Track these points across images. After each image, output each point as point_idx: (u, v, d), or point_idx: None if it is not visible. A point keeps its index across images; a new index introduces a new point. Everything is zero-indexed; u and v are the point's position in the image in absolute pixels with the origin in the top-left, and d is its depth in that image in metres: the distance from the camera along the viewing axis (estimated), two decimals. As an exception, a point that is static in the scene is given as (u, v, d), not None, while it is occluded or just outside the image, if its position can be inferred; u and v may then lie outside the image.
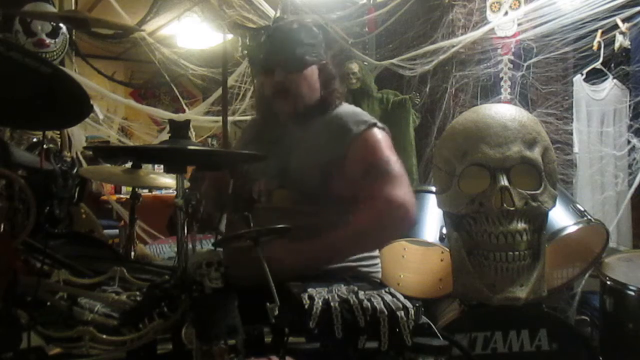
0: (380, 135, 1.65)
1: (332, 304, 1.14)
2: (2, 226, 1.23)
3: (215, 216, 1.75)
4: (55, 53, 3.11)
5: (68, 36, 3.25)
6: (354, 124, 1.64)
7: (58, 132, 3.00)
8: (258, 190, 1.67)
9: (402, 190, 1.58)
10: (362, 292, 1.20)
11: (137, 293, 1.22)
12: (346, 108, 1.74)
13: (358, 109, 1.75)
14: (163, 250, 2.90)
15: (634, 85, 3.18)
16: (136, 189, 2.54)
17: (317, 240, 1.52)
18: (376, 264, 1.71)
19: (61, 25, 3.07)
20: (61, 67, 2.74)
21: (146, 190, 4.68)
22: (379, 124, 1.67)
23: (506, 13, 3.45)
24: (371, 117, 1.69)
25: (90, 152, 3.14)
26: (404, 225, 1.63)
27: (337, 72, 1.76)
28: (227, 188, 1.76)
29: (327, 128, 1.66)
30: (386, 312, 1.14)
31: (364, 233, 1.58)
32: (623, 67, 3.20)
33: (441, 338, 1.22)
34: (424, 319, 1.22)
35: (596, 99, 3.29)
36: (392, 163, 1.61)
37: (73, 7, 3.60)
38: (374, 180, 1.58)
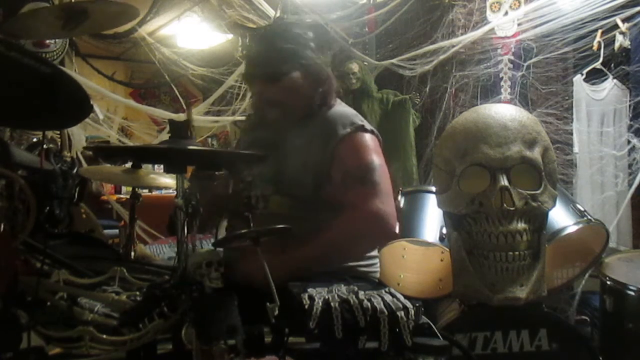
0: (365, 138, 1.59)
1: (332, 304, 1.14)
2: (2, 226, 1.23)
3: (214, 217, 1.75)
4: (55, 53, 3.12)
5: (68, 36, 3.25)
6: (340, 126, 1.59)
7: (58, 132, 3.00)
8: (255, 196, 1.64)
9: (382, 200, 1.51)
10: (362, 292, 1.20)
11: (137, 293, 1.22)
12: (337, 109, 1.68)
13: (349, 110, 1.69)
14: (163, 250, 2.89)
15: (634, 85, 3.18)
16: (136, 189, 2.54)
17: (290, 254, 1.47)
18: (375, 264, 1.70)
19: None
20: (61, 67, 2.74)
21: (146, 190, 4.68)
22: (367, 127, 1.61)
23: (506, 13, 3.45)
24: (360, 120, 1.63)
25: (90, 152, 3.14)
26: (380, 237, 1.59)
27: (328, 71, 1.67)
28: (226, 189, 1.76)
29: (317, 131, 1.62)
30: (386, 312, 1.14)
31: (338, 245, 1.53)
32: (623, 67, 3.19)
33: (441, 338, 1.22)
34: (424, 319, 1.22)
35: (596, 99, 3.29)
36: (374, 170, 1.54)
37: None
38: (352, 188, 1.53)
